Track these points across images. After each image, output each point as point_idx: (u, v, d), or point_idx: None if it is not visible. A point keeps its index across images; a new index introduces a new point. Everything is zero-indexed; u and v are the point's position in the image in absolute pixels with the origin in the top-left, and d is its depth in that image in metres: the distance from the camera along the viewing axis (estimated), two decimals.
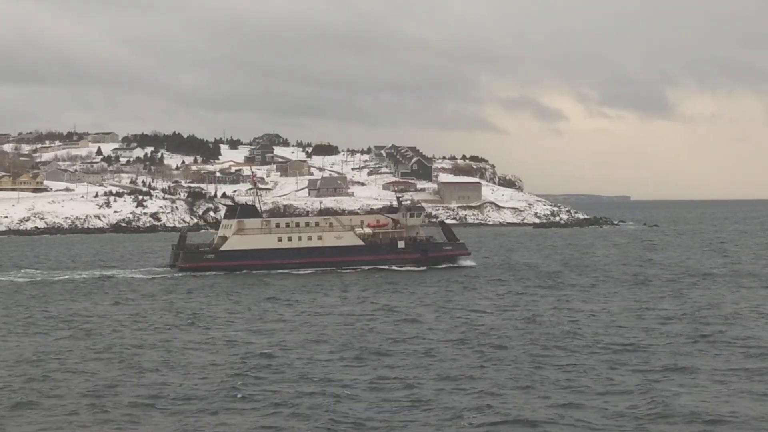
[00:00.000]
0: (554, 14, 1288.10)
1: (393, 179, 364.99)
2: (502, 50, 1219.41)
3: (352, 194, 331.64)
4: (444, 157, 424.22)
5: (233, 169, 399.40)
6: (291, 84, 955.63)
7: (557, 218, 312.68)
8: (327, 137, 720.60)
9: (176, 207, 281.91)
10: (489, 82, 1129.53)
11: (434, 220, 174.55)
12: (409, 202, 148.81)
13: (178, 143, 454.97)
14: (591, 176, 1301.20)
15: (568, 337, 60.90)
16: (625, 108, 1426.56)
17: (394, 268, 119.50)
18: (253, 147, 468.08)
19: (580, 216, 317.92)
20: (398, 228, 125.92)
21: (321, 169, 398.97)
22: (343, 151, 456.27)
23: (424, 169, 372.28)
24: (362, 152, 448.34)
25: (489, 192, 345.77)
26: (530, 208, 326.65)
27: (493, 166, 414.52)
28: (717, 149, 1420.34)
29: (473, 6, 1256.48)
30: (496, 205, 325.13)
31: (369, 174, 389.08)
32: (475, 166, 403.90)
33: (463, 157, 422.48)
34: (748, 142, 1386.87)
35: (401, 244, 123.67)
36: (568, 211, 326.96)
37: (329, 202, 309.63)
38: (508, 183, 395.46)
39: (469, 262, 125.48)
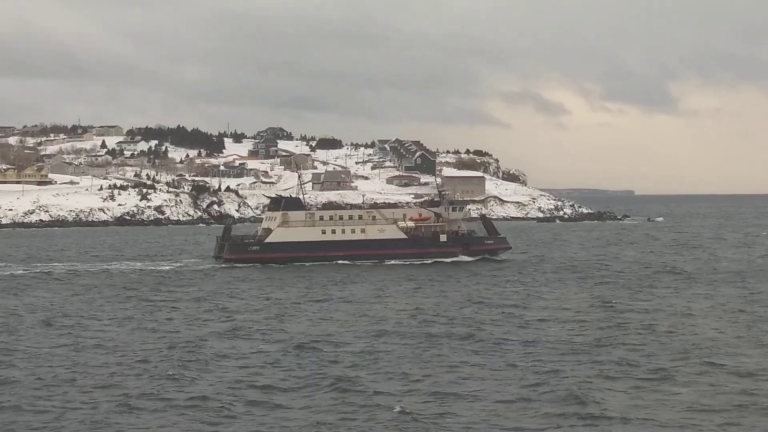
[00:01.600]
0: (554, 8, 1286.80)
1: (397, 173, 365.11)
2: (502, 44, 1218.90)
3: (355, 188, 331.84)
4: (448, 151, 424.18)
5: (237, 163, 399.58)
6: (293, 78, 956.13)
7: (561, 213, 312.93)
8: (330, 131, 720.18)
9: (180, 200, 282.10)
10: (490, 76, 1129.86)
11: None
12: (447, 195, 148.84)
13: (181, 137, 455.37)
14: (595, 171, 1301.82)
15: (505, 333, 61.04)
16: (627, 102, 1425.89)
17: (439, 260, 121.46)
18: (257, 141, 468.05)
19: (584, 211, 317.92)
20: (440, 222, 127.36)
21: (325, 163, 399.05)
22: (346, 145, 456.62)
23: (427, 163, 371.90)
24: (366, 146, 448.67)
25: (493, 186, 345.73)
26: (534, 202, 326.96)
27: (496, 161, 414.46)
28: (721, 144, 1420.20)
29: (473, 0, 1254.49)
30: (500, 200, 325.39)
31: (373, 168, 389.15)
32: (478, 161, 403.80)
33: (467, 152, 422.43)
34: (753, 137, 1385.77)
35: (443, 238, 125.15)
36: (572, 206, 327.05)
37: (333, 195, 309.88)
38: (511, 177, 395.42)
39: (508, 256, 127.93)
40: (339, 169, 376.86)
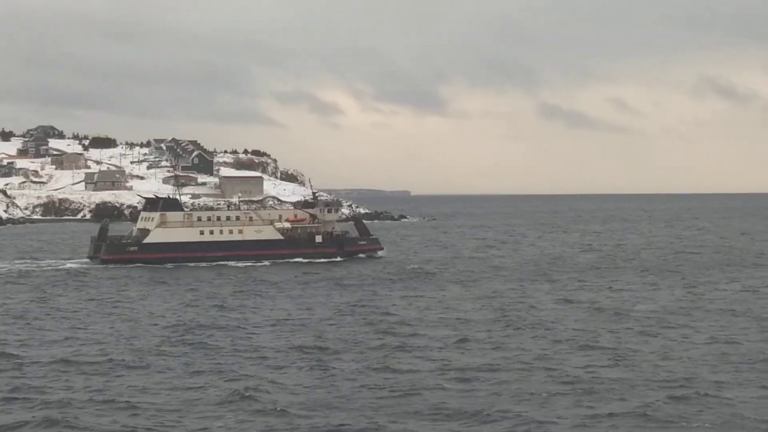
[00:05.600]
0: (324, 8, 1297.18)
1: (173, 173, 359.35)
2: (273, 43, 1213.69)
3: (131, 188, 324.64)
4: (225, 151, 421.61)
5: (5, 162, 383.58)
6: (62, 75, 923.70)
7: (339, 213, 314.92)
8: (105, 130, 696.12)
9: None
10: (263, 75, 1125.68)
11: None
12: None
13: None
14: (372, 171, 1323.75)
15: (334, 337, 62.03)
16: (399, 103, 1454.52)
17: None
18: (26, 139, 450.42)
19: (362, 210, 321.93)
20: (316, 223, 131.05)
21: (99, 163, 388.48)
22: (121, 144, 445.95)
23: (205, 163, 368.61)
24: (141, 145, 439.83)
25: (271, 186, 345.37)
26: None
27: (275, 161, 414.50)
28: (490, 145, 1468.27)
29: None
30: (278, 200, 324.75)
31: (148, 168, 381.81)
32: (257, 161, 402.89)
33: (245, 152, 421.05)
34: (520, 139, 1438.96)
35: (319, 239, 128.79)
36: (350, 206, 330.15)
37: (107, 195, 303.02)
38: (290, 177, 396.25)
39: (382, 255, 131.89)
40: (113, 168, 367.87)
